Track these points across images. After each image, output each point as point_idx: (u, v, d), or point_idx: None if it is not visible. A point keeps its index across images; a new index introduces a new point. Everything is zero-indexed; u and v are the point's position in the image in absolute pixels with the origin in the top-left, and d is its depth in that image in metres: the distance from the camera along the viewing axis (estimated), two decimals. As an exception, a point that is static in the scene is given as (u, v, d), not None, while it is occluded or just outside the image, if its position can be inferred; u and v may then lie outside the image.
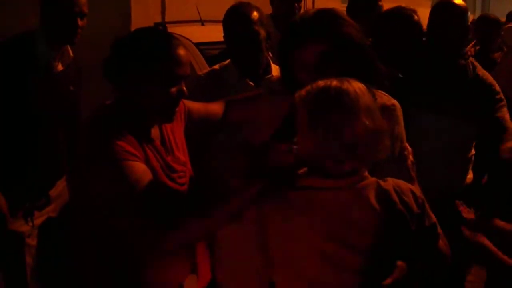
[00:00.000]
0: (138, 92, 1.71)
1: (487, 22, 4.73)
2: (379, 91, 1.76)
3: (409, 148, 1.81)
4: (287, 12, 3.63)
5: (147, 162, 1.70)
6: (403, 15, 2.90)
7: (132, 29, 4.85)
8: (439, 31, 2.77)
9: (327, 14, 1.72)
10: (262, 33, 2.44)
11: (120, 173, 1.59)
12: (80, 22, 2.63)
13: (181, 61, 1.71)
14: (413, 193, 1.55)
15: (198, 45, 4.20)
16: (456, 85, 2.72)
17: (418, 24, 2.92)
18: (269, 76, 2.52)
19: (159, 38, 1.73)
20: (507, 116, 2.80)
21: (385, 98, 1.80)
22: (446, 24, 2.73)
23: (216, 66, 2.55)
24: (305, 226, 1.48)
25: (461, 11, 2.75)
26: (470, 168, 2.93)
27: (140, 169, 1.63)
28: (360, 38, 1.72)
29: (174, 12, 5.51)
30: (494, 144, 2.76)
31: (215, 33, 2.56)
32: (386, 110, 1.73)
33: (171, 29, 4.74)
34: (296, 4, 3.73)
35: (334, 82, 1.47)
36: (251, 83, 2.48)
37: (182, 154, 1.90)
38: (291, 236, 1.50)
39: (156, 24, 4.89)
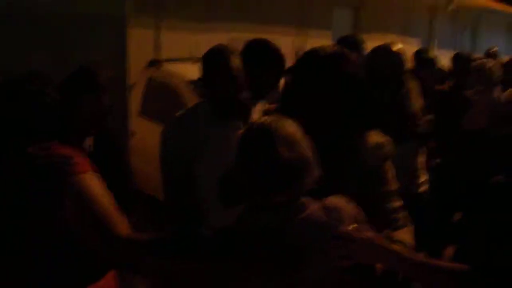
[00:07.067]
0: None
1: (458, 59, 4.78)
2: (371, 130, 1.88)
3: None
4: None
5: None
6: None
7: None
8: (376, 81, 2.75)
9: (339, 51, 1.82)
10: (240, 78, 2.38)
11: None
12: None
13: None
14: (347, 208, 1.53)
15: (191, 82, 4.58)
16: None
17: None
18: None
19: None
20: None
21: (376, 137, 1.85)
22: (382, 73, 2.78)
23: (193, 105, 2.52)
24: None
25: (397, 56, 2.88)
26: None
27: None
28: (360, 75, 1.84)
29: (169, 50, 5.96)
30: None
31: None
32: (380, 146, 1.84)
33: (167, 66, 5.17)
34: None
35: (261, 120, 1.49)
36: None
37: None
38: None
39: (152, 61, 5.34)
